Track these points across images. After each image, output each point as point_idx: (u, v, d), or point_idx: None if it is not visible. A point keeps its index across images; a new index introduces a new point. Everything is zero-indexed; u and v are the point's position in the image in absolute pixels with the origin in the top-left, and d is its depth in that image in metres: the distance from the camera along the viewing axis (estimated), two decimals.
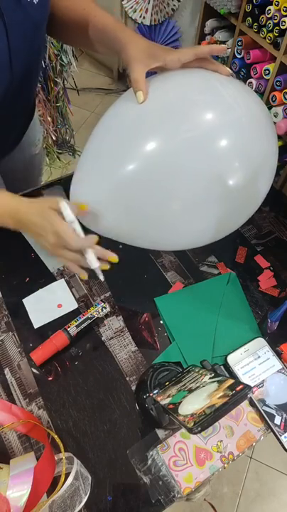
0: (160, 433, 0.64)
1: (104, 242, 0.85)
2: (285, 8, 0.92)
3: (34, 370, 0.70)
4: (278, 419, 0.64)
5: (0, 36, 0.56)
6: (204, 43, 1.28)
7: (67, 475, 0.56)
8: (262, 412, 0.65)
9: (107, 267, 0.62)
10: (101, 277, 0.62)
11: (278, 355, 0.70)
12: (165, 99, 0.57)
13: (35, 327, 0.75)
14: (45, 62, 1.54)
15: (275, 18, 0.94)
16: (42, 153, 1.07)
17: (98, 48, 0.70)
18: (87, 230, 0.62)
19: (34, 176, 1.07)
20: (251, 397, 0.66)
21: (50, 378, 0.70)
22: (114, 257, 0.61)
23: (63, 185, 0.93)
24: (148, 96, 0.58)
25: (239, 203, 0.62)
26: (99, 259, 0.61)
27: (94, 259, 0.60)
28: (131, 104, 0.58)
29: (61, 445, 0.59)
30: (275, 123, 0.99)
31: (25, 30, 0.60)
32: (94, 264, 0.60)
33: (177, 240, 0.66)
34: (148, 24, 1.86)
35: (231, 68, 1.14)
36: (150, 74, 0.60)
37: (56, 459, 0.58)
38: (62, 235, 0.56)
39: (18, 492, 0.53)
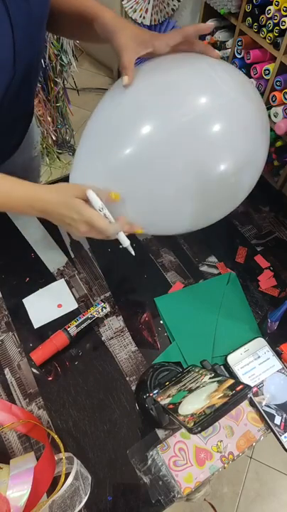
0: (160, 433, 0.64)
1: (102, 241, 0.85)
2: (285, 8, 0.92)
3: (34, 370, 0.70)
4: (278, 419, 0.64)
5: (6, 33, 0.56)
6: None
7: (67, 475, 0.56)
8: (262, 412, 0.65)
9: (142, 231, 0.63)
10: (133, 253, 0.62)
11: (278, 355, 0.70)
12: (155, 86, 0.58)
13: (35, 327, 0.75)
14: (45, 62, 1.54)
15: (275, 18, 0.94)
16: (40, 156, 1.08)
17: (91, 38, 0.71)
18: None
19: (33, 179, 1.07)
20: (251, 397, 0.66)
21: (50, 378, 0.70)
22: (140, 229, 0.62)
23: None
24: (140, 83, 0.58)
25: (223, 190, 0.62)
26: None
27: (125, 238, 0.60)
28: (123, 93, 0.59)
29: (61, 445, 0.59)
30: (275, 123, 0.99)
31: (30, 28, 0.60)
32: (126, 242, 0.60)
33: (169, 224, 0.66)
34: (148, 24, 1.86)
35: None
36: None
37: (56, 459, 0.58)
38: (95, 224, 0.56)
39: (18, 492, 0.53)
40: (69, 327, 0.71)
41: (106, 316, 0.76)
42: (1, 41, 0.56)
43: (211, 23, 0.62)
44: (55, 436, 0.60)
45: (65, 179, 0.94)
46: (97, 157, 0.60)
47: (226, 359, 0.70)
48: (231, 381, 0.49)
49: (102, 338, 0.74)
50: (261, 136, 0.62)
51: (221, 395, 0.47)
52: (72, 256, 0.84)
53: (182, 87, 0.57)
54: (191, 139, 0.56)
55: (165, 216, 0.64)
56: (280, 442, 0.63)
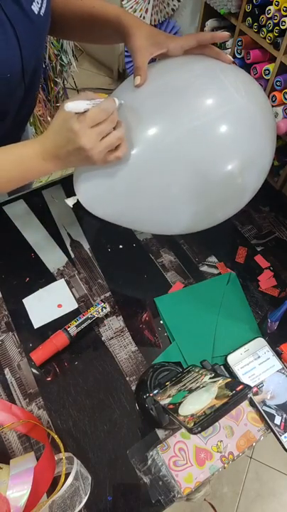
0: (160, 433, 0.64)
1: (104, 239, 0.85)
2: (285, 8, 0.92)
3: (34, 370, 0.70)
4: (278, 419, 0.64)
5: (14, 48, 0.56)
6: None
7: (67, 475, 0.56)
8: (262, 412, 0.65)
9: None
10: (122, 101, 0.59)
11: (278, 355, 0.70)
12: (164, 87, 0.58)
13: (35, 327, 0.75)
14: (45, 62, 1.54)
15: (275, 18, 0.94)
16: None
17: (101, 38, 0.71)
18: (89, 215, 0.62)
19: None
20: (251, 397, 0.66)
21: (50, 378, 0.70)
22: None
23: (63, 185, 0.94)
24: (149, 83, 0.59)
25: (229, 192, 0.63)
26: None
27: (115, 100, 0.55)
28: (130, 92, 0.60)
29: (61, 445, 0.59)
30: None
31: (34, 40, 0.60)
32: (117, 101, 0.56)
33: (173, 224, 0.67)
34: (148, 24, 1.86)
35: None
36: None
37: (56, 459, 0.58)
38: (94, 118, 0.51)
39: (18, 492, 0.53)
40: (69, 327, 0.71)
41: (106, 316, 0.76)
42: (12, 62, 0.57)
43: (227, 33, 0.61)
44: (55, 436, 0.60)
45: (65, 179, 0.95)
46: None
47: (226, 359, 0.70)
48: (228, 380, 0.49)
49: (102, 338, 0.74)
50: (267, 140, 0.62)
51: (222, 394, 0.47)
52: (72, 256, 0.84)
53: (192, 90, 0.57)
54: (199, 141, 0.56)
55: (170, 216, 0.64)
56: (280, 442, 0.63)
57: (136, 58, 0.60)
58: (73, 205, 0.66)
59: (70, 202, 0.66)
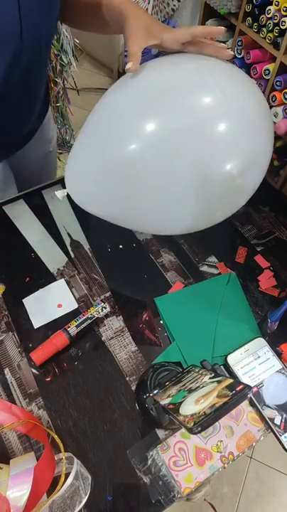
0: (160, 433, 0.64)
1: (104, 239, 0.85)
2: (285, 8, 0.92)
3: (34, 370, 0.70)
4: (278, 419, 0.64)
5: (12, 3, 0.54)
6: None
7: (67, 475, 0.56)
8: (262, 412, 0.65)
9: None
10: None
11: (278, 355, 0.70)
12: (152, 88, 0.58)
13: (35, 327, 0.75)
14: None
15: (275, 18, 0.94)
16: (55, 152, 1.07)
17: (108, 27, 0.70)
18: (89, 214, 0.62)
19: (48, 174, 1.07)
20: (251, 397, 0.66)
21: (50, 378, 0.70)
22: None
23: (63, 185, 0.94)
24: (137, 85, 0.59)
25: (221, 194, 0.62)
26: None
27: None
28: (119, 92, 0.60)
29: (61, 445, 0.59)
30: (275, 123, 0.99)
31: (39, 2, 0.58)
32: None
33: (172, 224, 0.66)
34: None
35: None
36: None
37: (56, 459, 0.58)
38: None
39: (18, 492, 0.53)
40: (69, 327, 0.71)
41: (106, 316, 0.76)
42: (4, 10, 0.55)
43: (223, 28, 0.61)
44: (55, 436, 0.60)
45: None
46: (97, 153, 0.60)
47: (226, 359, 0.70)
48: (230, 381, 0.49)
49: (102, 338, 0.74)
50: (264, 140, 0.62)
51: (222, 394, 0.47)
52: (72, 256, 0.84)
53: (178, 90, 0.57)
54: (192, 140, 0.56)
55: (168, 216, 0.64)
56: (280, 442, 0.63)
57: (129, 46, 0.60)
58: (62, 198, 0.66)
59: (60, 194, 0.66)
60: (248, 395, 0.46)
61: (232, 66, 0.63)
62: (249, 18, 1.03)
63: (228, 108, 0.57)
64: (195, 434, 0.43)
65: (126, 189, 0.60)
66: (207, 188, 0.60)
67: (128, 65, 0.58)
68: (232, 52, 0.61)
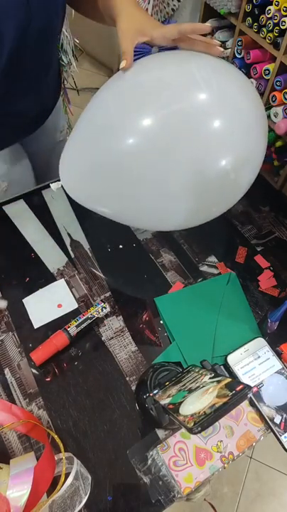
0: (160, 433, 0.64)
1: (104, 239, 0.85)
2: (285, 8, 0.92)
3: (34, 370, 0.70)
4: (278, 419, 0.64)
5: None
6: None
7: (67, 475, 0.56)
8: (262, 411, 0.65)
9: None
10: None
11: (278, 355, 0.70)
12: (141, 84, 0.59)
13: (35, 327, 0.75)
14: None
15: (275, 18, 0.94)
16: (65, 142, 1.09)
17: (103, 18, 0.71)
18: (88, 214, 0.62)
19: (57, 165, 1.08)
20: (251, 397, 0.66)
21: (50, 378, 0.70)
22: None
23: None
24: (128, 81, 0.59)
25: (222, 186, 0.63)
26: None
27: None
28: (110, 89, 0.61)
29: (61, 445, 0.59)
30: (275, 123, 0.99)
31: None
32: None
33: (166, 221, 0.67)
34: None
35: None
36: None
37: (56, 459, 0.58)
38: None
39: (18, 492, 0.53)
40: (69, 327, 0.71)
41: (106, 316, 0.76)
42: None
43: (208, 25, 0.60)
44: (55, 436, 0.60)
45: None
46: (89, 148, 0.61)
47: (226, 359, 0.70)
48: (228, 380, 0.49)
49: (102, 338, 0.74)
50: (258, 134, 0.62)
51: (221, 394, 0.47)
52: (72, 256, 0.84)
53: (169, 87, 0.57)
54: (185, 136, 0.56)
55: (163, 211, 0.64)
56: (280, 442, 0.63)
57: (121, 43, 0.61)
58: (56, 190, 0.67)
59: (54, 186, 0.67)
60: (248, 395, 0.46)
61: (225, 63, 0.63)
62: (249, 18, 1.03)
63: (221, 104, 0.57)
64: (195, 434, 0.43)
65: (116, 183, 0.60)
66: (201, 183, 0.60)
67: (122, 64, 0.59)
68: (222, 49, 0.61)
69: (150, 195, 0.61)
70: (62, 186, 0.67)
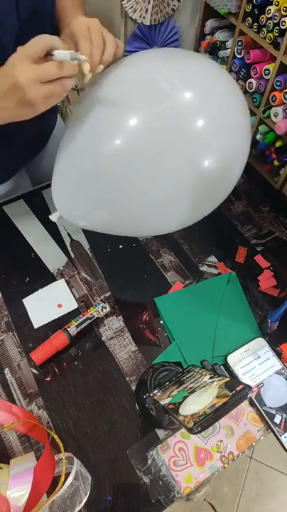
0: (160, 433, 0.64)
1: (104, 239, 0.85)
2: (285, 8, 0.92)
3: (34, 370, 0.70)
4: (278, 419, 0.64)
5: None
6: (205, 43, 1.28)
7: (67, 475, 0.56)
8: (262, 411, 0.65)
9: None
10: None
11: (278, 355, 0.70)
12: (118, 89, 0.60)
13: (35, 327, 0.75)
14: None
15: (275, 18, 0.94)
16: None
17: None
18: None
19: None
20: (251, 397, 0.66)
21: (50, 378, 0.70)
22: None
23: None
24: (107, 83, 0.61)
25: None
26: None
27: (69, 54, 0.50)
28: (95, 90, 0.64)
29: (61, 445, 0.59)
30: (275, 123, 0.99)
31: None
32: (82, 57, 0.51)
33: (161, 223, 0.67)
34: (148, 24, 1.85)
35: (231, 68, 1.14)
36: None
37: (56, 459, 0.58)
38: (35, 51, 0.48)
39: (18, 492, 0.53)
40: (69, 327, 0.71)
41: (106, 316, 0.76)
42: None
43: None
44: (55, 436, 0.60)
45: None
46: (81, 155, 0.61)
47: (226, 359, 0.70)
48: (228, 380, 0.49)
49: (102, 338, 0.74)
50: (244, 130, 0.63)
51: (221, 394, 0.47)
52: (72, 256, 0.84)
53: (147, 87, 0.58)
54: (169, 137, 0.57)
55: (156, 216, 0.64)
56: (280, 442, 0.63)
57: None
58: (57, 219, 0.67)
59: (54, 217, 0.67)
60: (248, 395, 0.46)
61: (209, 61, 0.64)
62: (249, 18, 1.03)
63: (206, 104, 0.57)
64: (195, 434, 0.43)
65: (113, 198, 0.61)
66: (193, 184, 0.60)
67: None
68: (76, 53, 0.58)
69: (142, 203, 0.61)
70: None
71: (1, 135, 0.76)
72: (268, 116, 1.02)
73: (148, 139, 0.56)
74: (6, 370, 0.70)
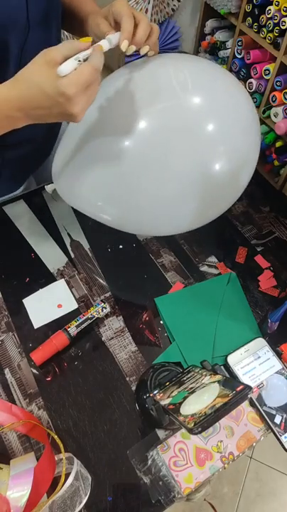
0: (160, 433, 0.64)
1: (104, 239, 0.85)
2: (285, 8, 0.92)
3: (34, 371, 0.70)
4: (278, 419, 0.64)
5: None
6: (205, 43, 1.28)
7: (67, 475, 0.56)
8: (262, 412, 0.65)
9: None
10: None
11: (278, 355, 0.70)
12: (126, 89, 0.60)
13: (35, 327, 0.75)
14: None
15: (276, 18, 0.94)
16: None
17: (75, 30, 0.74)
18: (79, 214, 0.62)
19: None
20: (251, 398, 0.66)
21: (50, 378, 0.70)
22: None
23: None
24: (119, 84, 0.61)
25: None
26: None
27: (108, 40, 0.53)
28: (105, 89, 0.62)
29: (61, 445, 0.59)
30: (275, 123, 0.99)
31: None
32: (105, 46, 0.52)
33: (168, 225, 0.67)
34: None
35: (231, 68, 1.14)
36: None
37: (56, 459, 0.58)
38: (88, 79, 0.46)
39: (18, 492, 0.53)
40: (69, 327, 0.71)
41: (106, 316, 0.76)
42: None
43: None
44: (55, 437, 0.60)
45: None
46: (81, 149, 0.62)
47: (226, 359, 0.70)
48: (228, 380, 0.49)
49: (102, 338, 0.74)
50: (254, 135, 0.63)
51: (222, 395, 0.47)
52: (72, 256, 0.84)
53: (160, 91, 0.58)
54: (180, 139, 0.57)
55: (162, 216, 0.64)
56: (280, 442, 0.63)
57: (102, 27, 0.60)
58: (52, 192, 0.67)
59: (49, 189, 0.67)
60: (249, 396, 0.46)
61: (217, 66, 0.64)
62: (249, 18, 1.03)
63: (216, 107, 0.58)
64: (196, 434, 0.43)
65: (116, 190, 0.61)
66: (202, 187, 0.60)
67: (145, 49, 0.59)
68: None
69: (151, 200, 0.61)
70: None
71: (12, 143, 0.77)
72: (268, 117, 1.02)
73: (156, 140, 0.56)
74: (6, 370, 0.70)
